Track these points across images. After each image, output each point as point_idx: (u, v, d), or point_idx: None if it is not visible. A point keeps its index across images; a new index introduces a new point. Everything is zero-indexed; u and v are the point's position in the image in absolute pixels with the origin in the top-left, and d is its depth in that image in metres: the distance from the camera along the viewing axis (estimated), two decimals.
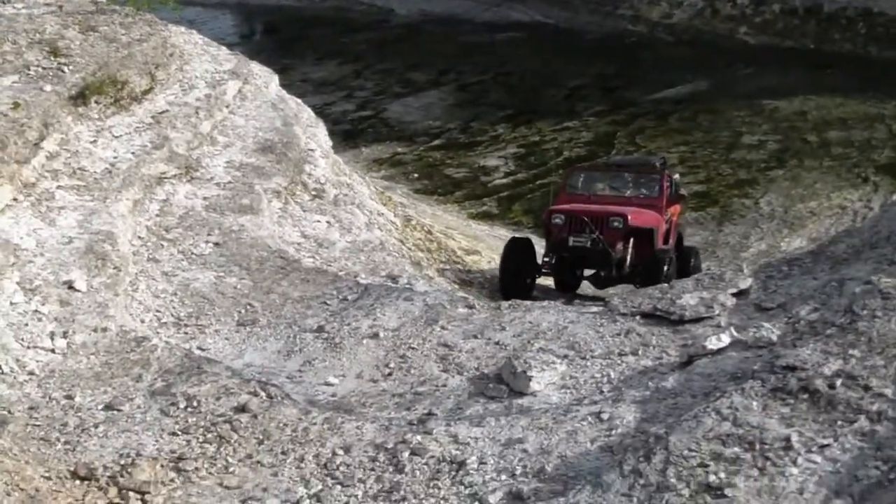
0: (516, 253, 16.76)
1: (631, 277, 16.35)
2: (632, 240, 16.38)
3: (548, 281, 17.87)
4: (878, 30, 40.53)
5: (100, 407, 8.49)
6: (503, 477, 7.56)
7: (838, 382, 6.60)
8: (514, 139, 31.84)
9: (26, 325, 9.60)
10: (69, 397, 8.69)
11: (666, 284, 11.12)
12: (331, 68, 44.00)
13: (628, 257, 16.29)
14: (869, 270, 8.92)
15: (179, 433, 8.16)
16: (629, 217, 16.33)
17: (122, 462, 7.92)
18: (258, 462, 8.00)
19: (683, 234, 19.40)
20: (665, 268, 15.62)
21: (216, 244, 12.40)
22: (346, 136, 31.87)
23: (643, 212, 16.89)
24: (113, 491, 7.69)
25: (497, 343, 9.92)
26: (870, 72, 37.11)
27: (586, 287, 17.69)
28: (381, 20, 54.87)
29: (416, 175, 28.35)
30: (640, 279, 15.83)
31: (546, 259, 16.64)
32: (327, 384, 9.47)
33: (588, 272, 17.16)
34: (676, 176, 23.78)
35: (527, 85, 39.55)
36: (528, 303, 11.43)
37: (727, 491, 6.33)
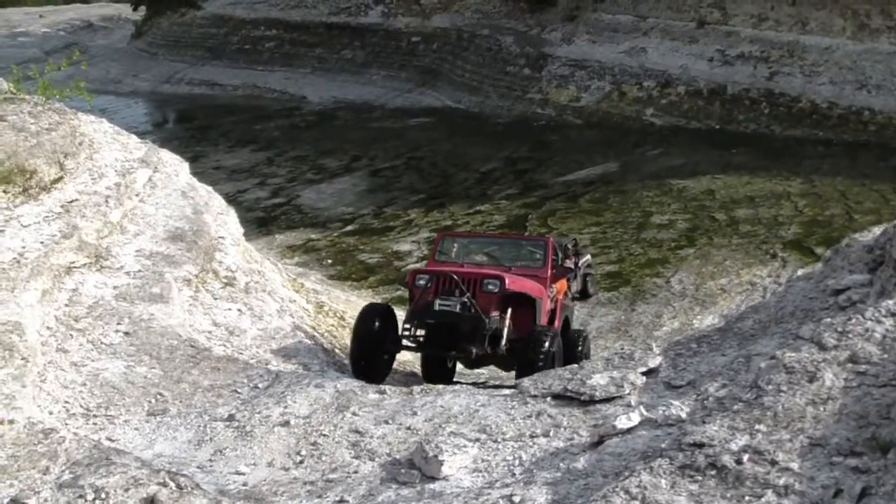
0: (373, 323, 14.15)
1: (506, 358, 14.40)
2: (510, 310, 14.23)
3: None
4: (781, 109, 41.47)
5: (5, 500, 8.30)
6: None
7: (745, 458, 6.65)
8: (427, 223, 31.98)
9: None
10: None
11: (575, 365, 11.05)
12: (244, 155, 44.06)
13: (506, 329, 14.06)
14: (775, 345, 9.03)
15: None
16: (507, 280, 14.10)
17: None
18: None
19: (571, 318, 17.37)
20: (546, 345, 13.33)
21: (126, 333, 12.26)
22: (260, 224, 31.90)
23: (524, 279, 14.90)
24: None
25: (409, 428, 9.90)
26: (774, 150, 38.00)
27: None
28: (294, 107, 55.21)
29: (329, 261, 28.34)
30: (516, 359, 13.94)
31: (407, 327, 14.26)
32: (238, 473, 9.38)
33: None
34: (588, 257, 24.06)
35: (439, 169, 39.87)
36: (439, 387, 11.44)
37: None
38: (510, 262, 15.84)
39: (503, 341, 14.00)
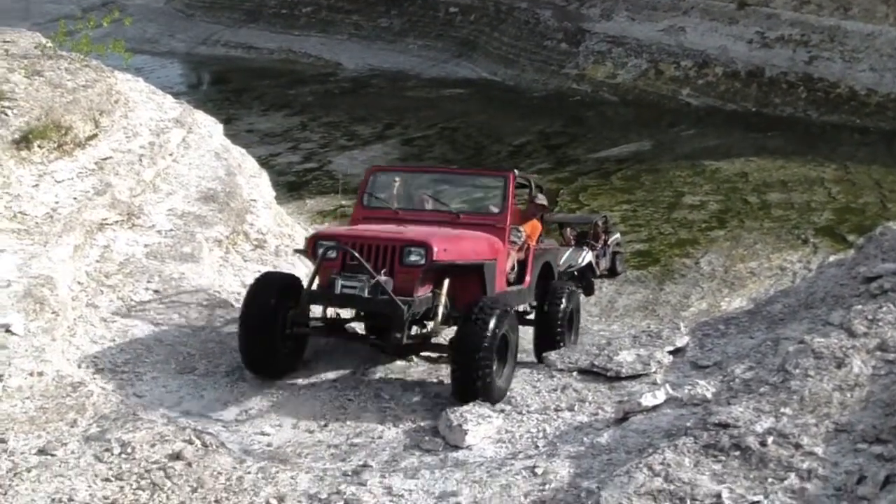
0: (269, 297, 10.43)
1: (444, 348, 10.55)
2: (447, 281, 10.34)
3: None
4: (818, 94, 41.26)
5: (33, 451, 8.35)
6: None
7: (770, 440, 6.66)
8: None
9: None
10: (2, 441, 8.55)
11: (603, 341, 11.01)
12: (277, 120, 44.18)
13: (441, 309, 10.21)
14: (803, 330, 9.03)
15: (113, 479, 8.03)
16: (434, 250, 9.93)
17: None
18: None
19: (556, 263, 13.71)
20: (491, 326, 9.50)
21: (156, 291, 12.30)
22: (291, 188, 32.00)
23: (465, 238, 10.91)
24: None
25: (434, 396, 9.95)
26: (810, 135, 37.90)
27: None
28: (329, 73, 55.24)
29: None
30: (451, 350, 10.07)
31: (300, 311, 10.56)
32: (263, 434, 9.42)
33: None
34: (617, 235, 24.05)
35: (472, 140, 39.88)
36: None
37: None
38: (460, 206, 12.30)
39: (437, 322, 10.34)
